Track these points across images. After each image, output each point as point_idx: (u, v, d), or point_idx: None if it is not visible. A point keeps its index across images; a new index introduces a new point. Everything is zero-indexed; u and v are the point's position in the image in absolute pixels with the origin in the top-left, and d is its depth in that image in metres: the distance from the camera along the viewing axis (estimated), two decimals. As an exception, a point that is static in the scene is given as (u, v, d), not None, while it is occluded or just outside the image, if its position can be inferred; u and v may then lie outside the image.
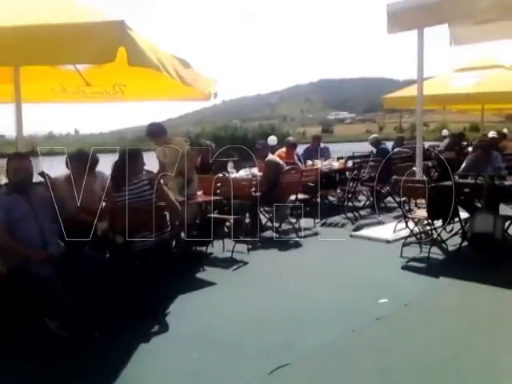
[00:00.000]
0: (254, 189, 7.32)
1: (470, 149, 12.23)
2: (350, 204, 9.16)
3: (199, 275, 5.63)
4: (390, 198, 9.95)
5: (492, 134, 12.69)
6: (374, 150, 10.55)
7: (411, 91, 9.72)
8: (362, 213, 9.00)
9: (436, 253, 6.11)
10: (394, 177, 6.42)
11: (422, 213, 6.16)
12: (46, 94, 6.85)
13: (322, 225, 8.23)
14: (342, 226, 8.19)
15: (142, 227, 4.34)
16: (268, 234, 7.55)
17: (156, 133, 6.26)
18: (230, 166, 8.55)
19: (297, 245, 7.04)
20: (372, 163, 9.49)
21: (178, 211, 4.77)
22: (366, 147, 11.90)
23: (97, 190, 5.13)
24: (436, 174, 13.03)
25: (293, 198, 7.74)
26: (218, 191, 6.69)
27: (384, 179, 9.30)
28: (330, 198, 9.85)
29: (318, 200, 8.57)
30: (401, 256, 6.13)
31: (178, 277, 5.16)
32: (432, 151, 13.74)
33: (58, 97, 6.98)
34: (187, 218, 5.78)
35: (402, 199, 6.32)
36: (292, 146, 9.75)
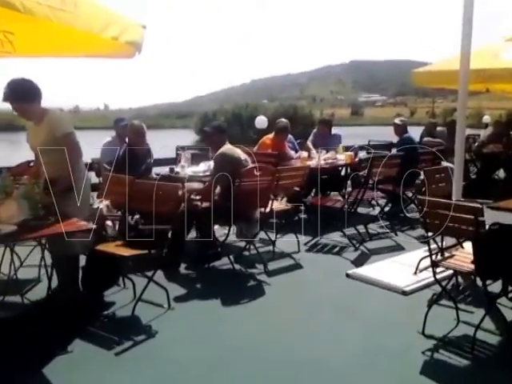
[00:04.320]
0: (199, 197, 4.80)
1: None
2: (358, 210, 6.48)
3: (48, 371, 3.11)
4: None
5: None
6: (397, 139, 7.84)
7: (449, 64, 7.03)
8: (372, 228, 6.38)
9: (488, 330, 3.47)
10: (419, 197, 3.73)
11: (464, 259, 3.52)
12: None
13: (310, 248, 5.65)
14: (339, 251, 5.57)
15: None
16: (224, 263, 5.00)
17: (19, 96, 3.73)
18: (184, 157, 5.95)
19: (258, 291, 4.45)
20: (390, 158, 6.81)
21: None
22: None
23: None
24: (476, 170, 10.40)
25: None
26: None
27: (407, 180, 6.67)
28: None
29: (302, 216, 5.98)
30: (422, 332, 3.52)
31: None
32: (471, 142, 10.93)
33: None
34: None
35: (430, 234, 3.65)
36: (281, 132, 7.15)
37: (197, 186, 5.12)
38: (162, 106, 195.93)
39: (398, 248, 5.65)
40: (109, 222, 4.20)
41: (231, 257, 5.04)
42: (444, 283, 3.87)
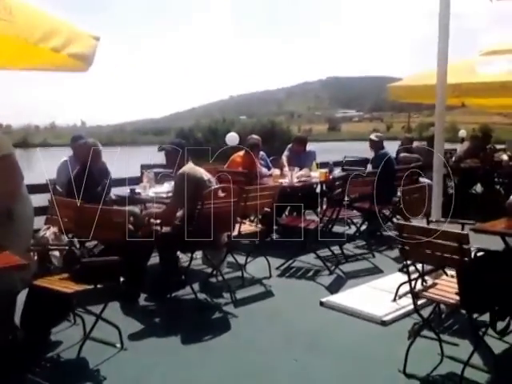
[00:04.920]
0: (158, 221, 4.41)
1: (504, 156, 9.25)
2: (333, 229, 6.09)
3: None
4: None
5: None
6: (373, 155, 7.53)
7: (425, 79, 6.83)
8: (348, 248, 6.04)
9: (475, 366, 3.11)
10: (397, 221, 3.40)
11: (447, 288, 3.18)
12: None
13: (282, 273, 5.26)
14: (313, 275, 5.21)
15: None
16: (188, 292, 4.55)
17: None
18: (146, 176, 5.55)
19: (224, 325, 4.03)
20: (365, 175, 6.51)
21: None
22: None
23: None
24: (453, 185, 10.19)
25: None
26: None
27: (384, 197, 6.37)
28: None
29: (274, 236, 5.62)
30: (404, 371, 3.15)
31: None
32: (449, 157, 10.74)
33: None
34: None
35: (409, 263, 3.30)
36: (252, 149, 6.80)
37: (157, 208, 4.72)
38: (140, 122, 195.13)
39: (376, 271, 5.31)
40: (56, 252, 3.76)
41: (196, 285, 4.66)
42: (426, 311, 3.56)
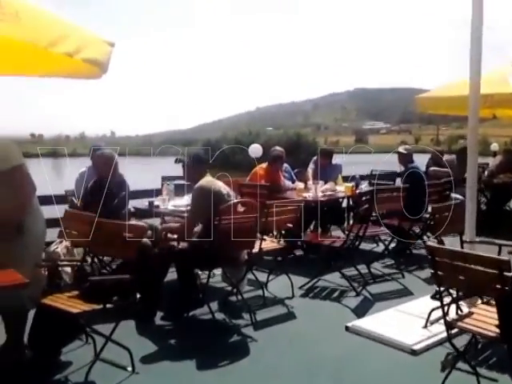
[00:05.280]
0: (175, 236, 4.23)
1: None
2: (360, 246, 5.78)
3: None
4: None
5: None
6: (402, 169, 7.21)
7: (455, 90, 6.56)
8: (376, 267, 5.75)
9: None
10: (429, 242, 3.13)
11: (485, 319, 2.89)
12: None
13: (306, 293, 5.01)
14: (339, 296, 4.94)
15: None
16: (206, 311, 4.32)
17: None
18: (166, 189, 5.39)
19: (243, 349, 3.78)
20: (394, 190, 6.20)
21: None
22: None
23: None
24: (485, 201, 9.78)
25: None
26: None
27: (413, 214, 6.05)
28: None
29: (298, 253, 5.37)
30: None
31: None
32: (481, 172, 10.30)
33: None
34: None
35: (442, 289, 3.02)
36: (276, 161, 6.60)
37: (175, 222, 4.54)
38: (168, 133, 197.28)
39: (405, 292, 5.00)
40: (67, 268, 3.61)
41: (215, 304, 4.46)
42: (460, 339, 3.27)
